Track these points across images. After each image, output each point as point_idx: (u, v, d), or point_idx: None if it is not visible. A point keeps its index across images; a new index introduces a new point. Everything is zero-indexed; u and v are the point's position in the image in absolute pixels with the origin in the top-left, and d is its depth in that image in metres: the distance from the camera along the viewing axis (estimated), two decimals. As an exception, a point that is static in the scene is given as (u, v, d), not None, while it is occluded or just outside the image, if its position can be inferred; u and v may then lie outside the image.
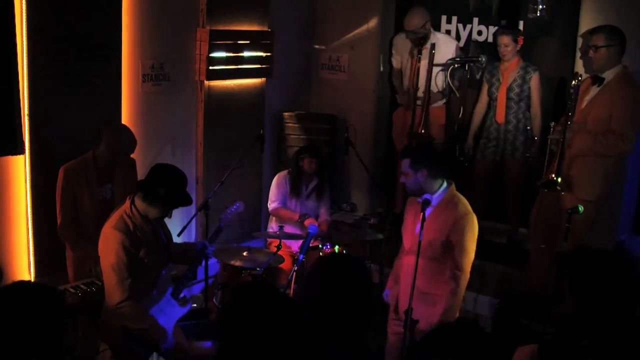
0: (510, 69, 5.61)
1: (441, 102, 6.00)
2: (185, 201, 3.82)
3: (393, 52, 6.28)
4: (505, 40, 5.56)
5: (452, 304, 3.96)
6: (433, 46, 5.72)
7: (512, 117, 5.65)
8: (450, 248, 3.96)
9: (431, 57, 5.69)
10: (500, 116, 5.67)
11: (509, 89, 5.60)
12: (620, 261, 2.43)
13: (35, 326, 2.39)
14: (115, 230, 3.66)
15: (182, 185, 3.82)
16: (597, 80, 4.72)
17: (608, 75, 4.70)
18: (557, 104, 5.58)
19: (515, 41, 5.56)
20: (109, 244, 3.67)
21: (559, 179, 4.59)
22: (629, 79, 4.74)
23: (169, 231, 4.15)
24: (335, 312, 2.50)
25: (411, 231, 4.11)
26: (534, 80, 5.56)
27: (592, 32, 4.83)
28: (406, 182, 4.02)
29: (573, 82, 4.68)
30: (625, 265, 2.40)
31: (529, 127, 5.53)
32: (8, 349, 2.36)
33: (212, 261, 5.09)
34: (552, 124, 4.85)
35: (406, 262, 4.10)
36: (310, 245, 4.84)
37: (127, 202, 3.77)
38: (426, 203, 3.89)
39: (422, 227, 3.79)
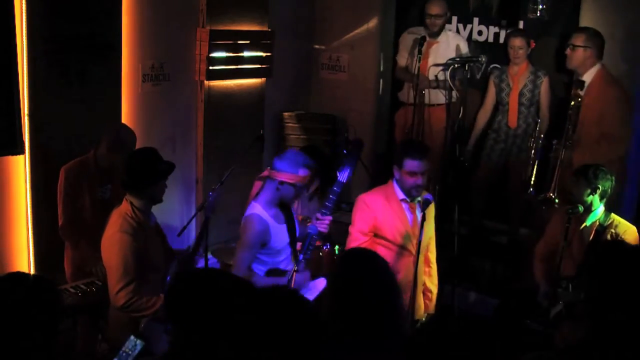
0: (520, 73, 5.55)
1: (442, 102, 5.96)
2: (142, 171, 3.66)
3: (400, 48, 6.21)
4: (518, 42, 5.48)
5: None
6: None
7: (522, 122, 5.61)
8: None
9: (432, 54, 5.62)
10: (512, 121, 5.63)
11: (521, 94, 5.55)
12: None
13: (31, 317, 2.38)
14: (123, 234, 3.59)
15: (138, 160, 3.74)
16: (579, 84, 4.76)
17: (587, 77, 4.78)
18: (556, 105, 5.57)
19: (528, 44, 5.49)
20: (116, 247, 3.59)
21: (556, 199, 4.62)
22: (610, 78, 4.81)
23: None
24: (355, 306, 2.49)
25: (398, 228, 4.09)
26: (544, 85, 5.51)
27: (576, 30, 4.91)
28: (422, 182, 3.99)
29: (572, 103, 4.69)
30: None
31: (532, 132, 5.49)
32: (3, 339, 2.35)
33: (212, 261, 5.07)
34: (555, 141, 4.85)
35: (405, 263, 4.12)
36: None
37: (125, 204, 3.71)
38: (427, 203, 3.93)
39: (422, 227, 3.84)
